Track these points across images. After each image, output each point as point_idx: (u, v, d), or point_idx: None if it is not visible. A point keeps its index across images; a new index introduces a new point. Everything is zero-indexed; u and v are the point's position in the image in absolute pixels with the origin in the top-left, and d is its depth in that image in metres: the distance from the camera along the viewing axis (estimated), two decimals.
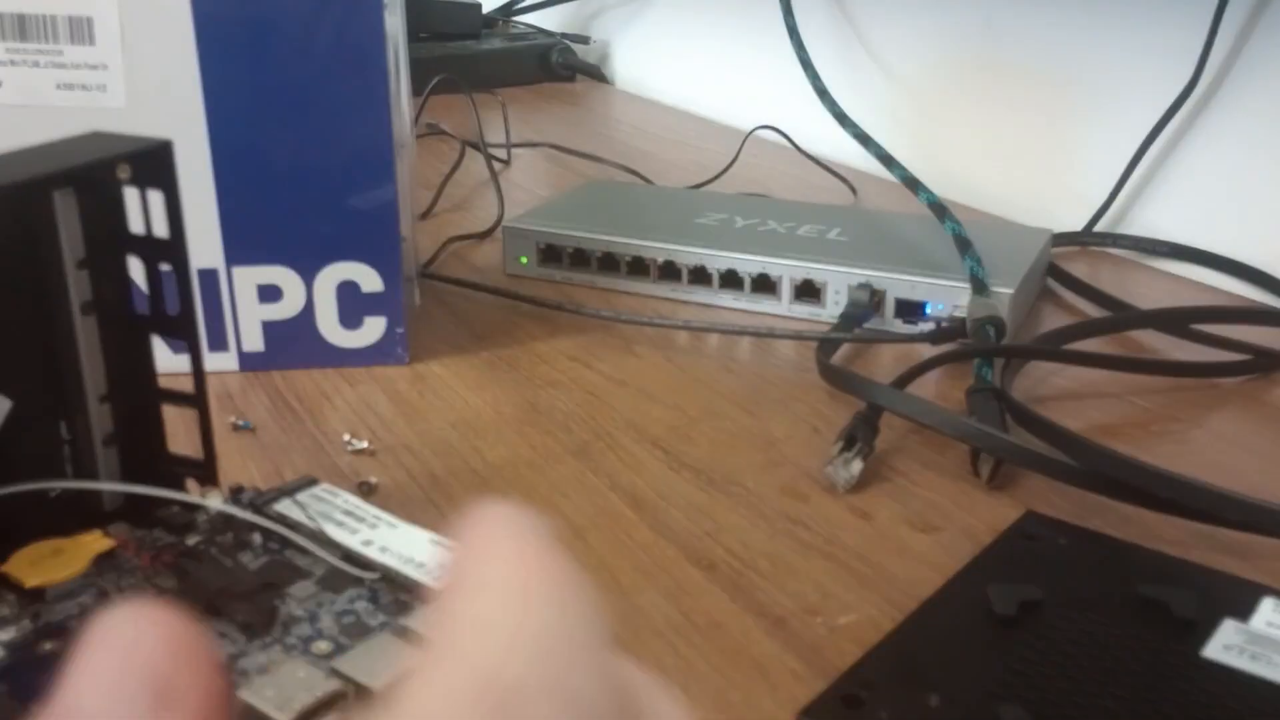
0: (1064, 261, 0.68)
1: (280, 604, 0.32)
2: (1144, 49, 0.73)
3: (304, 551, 0.35)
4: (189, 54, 0.48)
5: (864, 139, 0.76)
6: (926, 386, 0.52)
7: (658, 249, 0.63)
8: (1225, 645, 0.33)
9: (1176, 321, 0.57)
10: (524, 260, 0.66)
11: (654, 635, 0.35)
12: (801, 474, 0.45)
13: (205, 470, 0.37)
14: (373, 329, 0.53)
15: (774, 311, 0.61)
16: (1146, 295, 0.64)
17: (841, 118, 0.80)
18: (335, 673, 0.28)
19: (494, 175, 0.84)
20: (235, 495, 0.38)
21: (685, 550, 0.40)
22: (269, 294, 0.52)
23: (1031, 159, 0.82)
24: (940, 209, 0.66)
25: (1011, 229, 0.71)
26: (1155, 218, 0.74)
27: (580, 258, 0.65)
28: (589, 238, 0.64)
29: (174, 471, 0.38)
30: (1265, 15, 0.66)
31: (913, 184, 0.69)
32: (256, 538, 0.35)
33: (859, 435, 0.44)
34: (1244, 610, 0.35)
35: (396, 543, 0.34)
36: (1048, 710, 0.31)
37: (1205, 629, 0.34)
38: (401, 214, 0.52)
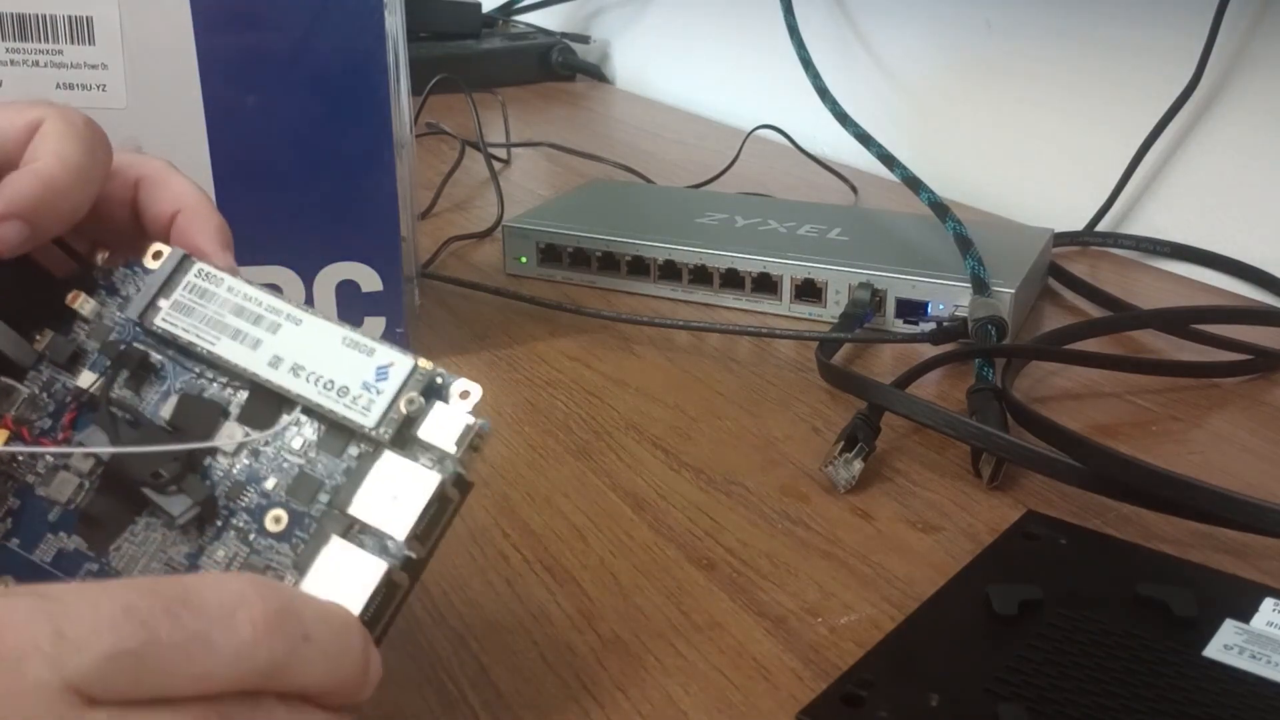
0: (1065, 261, 0.68)
1: (211, 472, 0.30)
2: (1144, 49, 0.73)
3: (211, 379, 0.31)
4: (189, 54, 0.48)
5: (865, 138, 0.76)
6: (927, 386, 0.52)
7: (658, 249, 0.63)
8: (1225, 645, 0.33)
9: (1177, 321, 0.57)
10: (524, 260, 0.66)
11: (654, 635, 0.35)
12: (801, 474, 0.45)
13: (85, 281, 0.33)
14: (372, 329, 0.53)
15: (774, 311, 0.61)
16: (1147, 295, 0.64)
17: (842, 117, 0.80)
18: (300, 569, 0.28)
19: (494, 175, 0.84)
20: (111, 291, 0.33)
21: (685, 550, 0.40)
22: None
23: (1032, 158, 0.82)
24: (941, 208, 0.66)
25: (1012, 228, 0.71)
26: (1156, 217, 0.74)
27: (580, 257, 0.64)
28: (589, 237, 0.64)
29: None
30: (1267, 16, 0.66)
31: (914, 183, 0.69)
32: (157, 365, 0.32)
33: (859, 435, 0.44)
34: (1244, 610, 0.35)
35: (306, 355, 0.31)
36: (1048, 710, 0.31)
37: (1205, 629, 0.34)
38: (401, 214, 0.52)
